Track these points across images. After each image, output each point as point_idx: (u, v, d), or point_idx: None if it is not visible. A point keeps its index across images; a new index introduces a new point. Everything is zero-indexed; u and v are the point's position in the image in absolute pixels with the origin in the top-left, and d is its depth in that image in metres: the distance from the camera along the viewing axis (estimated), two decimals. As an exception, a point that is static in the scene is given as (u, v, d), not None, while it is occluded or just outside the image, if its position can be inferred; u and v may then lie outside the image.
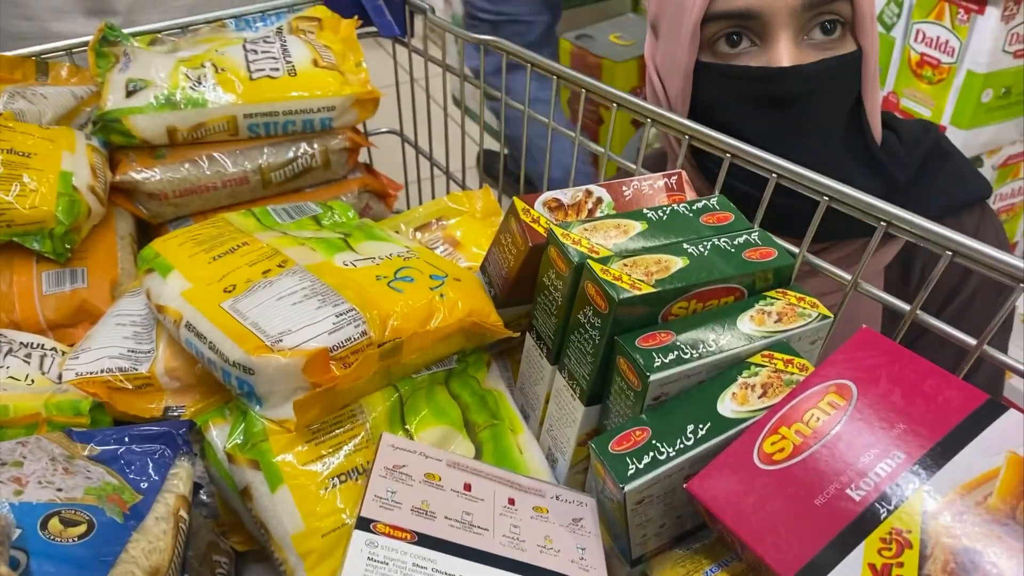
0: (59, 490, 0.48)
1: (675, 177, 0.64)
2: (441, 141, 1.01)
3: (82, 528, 0.46)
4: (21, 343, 0.68)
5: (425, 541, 0.46)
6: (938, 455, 0.43)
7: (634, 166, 0.74)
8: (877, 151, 0.75)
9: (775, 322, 0.54)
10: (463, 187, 0.99)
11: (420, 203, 1.10)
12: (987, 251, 0.51)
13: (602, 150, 0.78)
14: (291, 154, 0.86)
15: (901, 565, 0.40)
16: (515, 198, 0.60)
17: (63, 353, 0.68)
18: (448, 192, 1.02)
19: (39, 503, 0.47)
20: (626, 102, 0.70)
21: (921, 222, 0.52)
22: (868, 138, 0.74)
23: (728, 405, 0.51)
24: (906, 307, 0.54)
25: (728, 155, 0.63)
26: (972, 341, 0.53)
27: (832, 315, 0.55)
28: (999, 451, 0.42)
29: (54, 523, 0.46)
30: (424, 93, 0.97)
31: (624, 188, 0.63)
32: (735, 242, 0.57)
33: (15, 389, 0.61)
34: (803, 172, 0.58)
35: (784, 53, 0.70)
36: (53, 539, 0.45)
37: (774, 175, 0.60)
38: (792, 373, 0.51)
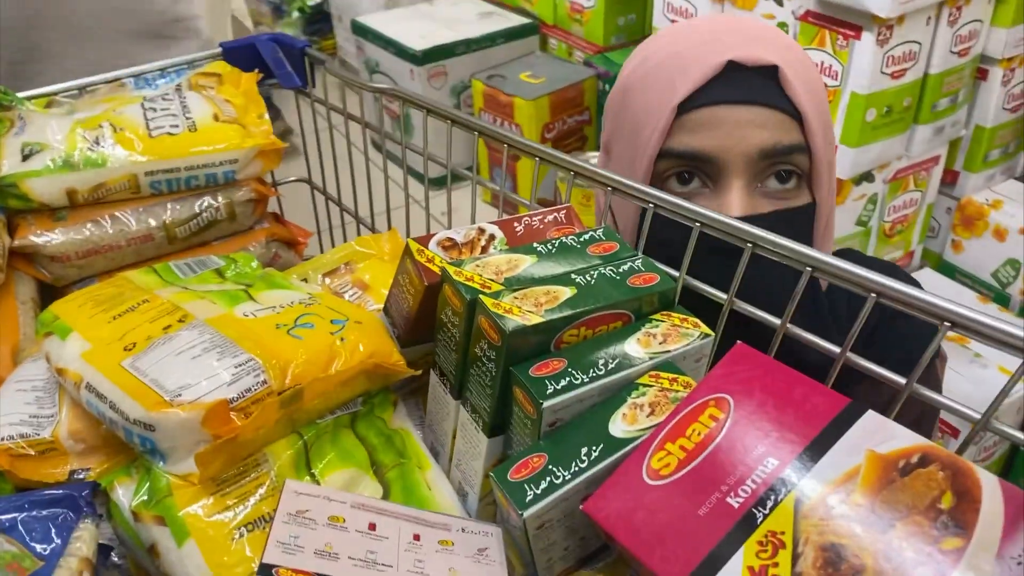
0: (-46, 563, 0.48)
1: (564, 211, 0.67)
2: (353, 187, 1.03)
3: (-22, 599, 0.46)
4: (-83, 417, 0.66)
5: (328, 582, 0.47)
6: (808, 457, 0.46)
7: (528, 201, 0.77)
8: (823, 308, 0.74)
9: (660, 343, 0.57)
10: (373, 230, 1.01)
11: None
12: (909, 291, 0.52)
13: (523, 200, 0.81)
14: (196, 209, 0.86)
15: (776, 565, 0.42)
16: (409, 239, 0.62)
17: (-37, 424, 0.67)
18: (359, 234, 1.04)
19: (-68, 577, 0.46)
20: (540, 152, 0.73)
21: (846, 266, 0.54)
22: (816, 291, 0.74)
23: (619, 425, 0.53)
24: (836, 349, 0.57)
25: (698, 224, 0.63)
26: (901, 381, 0.55)
27: (712, 333, 0.58)
28: (860, 449, 0.45)
29: (-52, 597, 0.45)
30: (339, 139, 0.99)
31: (516, 224, 0.65)
32: (620, 269, 0.60)
33: (-90, 464, 0.60)
34: (674, 200, 0.62)
35: (735, 201, 0.69)
36: (-53, 613, 0.44)
37: (698, 224, 0.63)
38: (677, 391, 0.54)
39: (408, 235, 0.92)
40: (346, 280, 0.83)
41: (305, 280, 0.82)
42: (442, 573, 0.50)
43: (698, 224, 0.60)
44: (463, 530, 0.55)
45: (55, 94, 0.92)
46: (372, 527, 0.52)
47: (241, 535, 0.54)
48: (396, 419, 0.65)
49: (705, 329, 0.58)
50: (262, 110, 0.93)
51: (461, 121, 0.79)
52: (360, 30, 2.11)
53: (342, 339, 0.61)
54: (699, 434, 0.50)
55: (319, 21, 2.93)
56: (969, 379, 1.33)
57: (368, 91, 0.88)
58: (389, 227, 1.00)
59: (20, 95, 0.90)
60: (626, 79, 0.77)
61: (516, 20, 2.08)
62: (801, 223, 0.72)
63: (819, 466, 0.45)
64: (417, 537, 0.53)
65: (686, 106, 0.70)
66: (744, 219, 0.63)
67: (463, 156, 1.60)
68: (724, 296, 0.61)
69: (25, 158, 0.80)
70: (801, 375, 0.50)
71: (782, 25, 1.39)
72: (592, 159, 0.87)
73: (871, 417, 0.47)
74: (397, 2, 2.36)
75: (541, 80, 1.85)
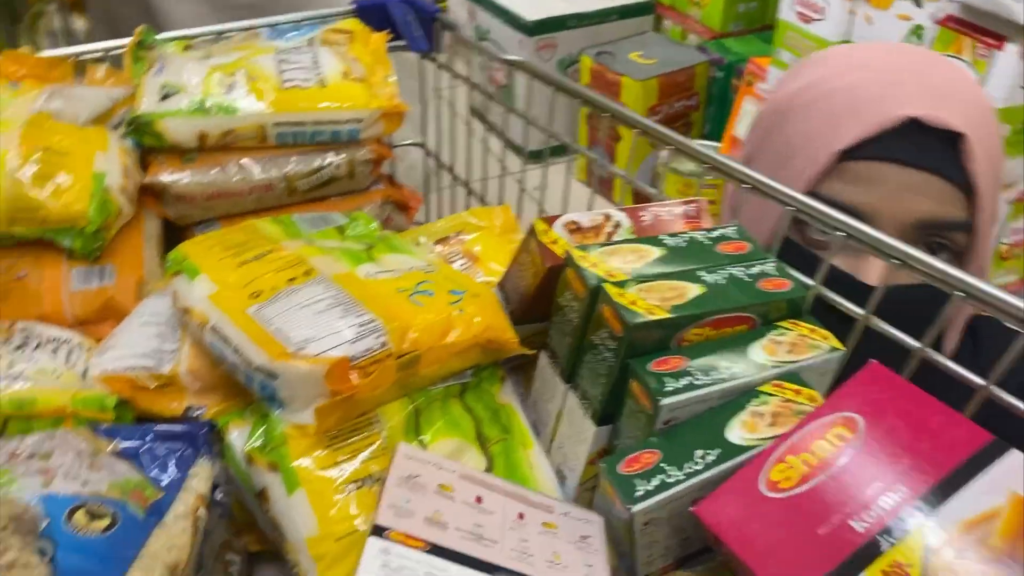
0: (85, 483, 0.50)
1: (694, 205, 0.65)
2: (462, 157, 1.03)
3: (106, 522, 0.48)
4: (49, 337, 0.70)
5: (437, 551, 0.47)
6: (941, 491, 0.44)
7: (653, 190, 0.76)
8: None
9: (787, 352, 0.55)
10: (483, 201, 1.01)
11: (440, 215, 1.12)
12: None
13: (621, 172, 0.80)
14: (317, 164, 0.87)
15: (900, 597, 0.41)
16: (535, 219, 0.62)
17: (89, 349, 0.70)
18: (467, 205, 1.04)
19: (65, 495, 0.48)
20: (650, 129, 0.72)
21: (998, 293, 0.52)
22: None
23: (737, 432, 0.52)
24: (980, 381, 0.54)
25: (746, 185, 0.64)
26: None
27: (843, 347, 0.56)
28: (1001, 491, 0.43)
29: (79, 516, 0.47)
30: (448, 107, 0.99)
31: (643, 213, 0.64)
32: (751, 272, 0.58)
33: (43, 382, 0.63)
34: (819, 207, 0.60)
35: (875, 267, 0.64)
36: (78, 531, 0.47)
37: (790, 207, 0.61)
38: (801, 403, 0.53)
39: (519, 207, 0.92)
40: (456, 249, 0.84)
41: (417, 245, 0.82)
42: (545, 556, 0.50)
43: (842, 234, 0.58)
44: (566, 514, 0.55)
45: (193, 37, 0.94)
46: (479, 500, 0.53)
47: (349, 491, 0.55)
48: (503, 394, 0.65)
49: (835, 343, 0.56)
50: (388, 72, 0.93)
51: (568, 88, 0.78)
52: (474, -4, 2.09)
53: (460, 310, 0.61)
54: (824, 451, 0.48)
55: (432, -17, 2.93)
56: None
57: (499, 62, 0.88)
58: (485, 191, 1.01)
59: (160, 36, 0.92)
60: (785, 100, 0.71)
61: (633, -3, 2.03)
62: (940, 303, 0.61)
63: (954, 502, 0.44)
64: (521, 516, 0.53)
65: (850, 154, 0.65)
66: (879, 290, 0.58)
67: (562, 132, 1.58)
68: (860, 312, 0.59)
69: (163, 98, 0.83)
70: (939, 403, 0.48)
71: (918, 29, 1.33)
72: (697, 146, 0.85)
73: (1015, 457, 0.44)
74: (513, -30, 2.34)
75: (652, 61, 1.81)
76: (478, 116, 0.99)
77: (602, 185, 1.39)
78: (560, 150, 0.85)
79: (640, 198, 0.79)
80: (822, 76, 0.70)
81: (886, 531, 0.44)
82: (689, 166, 1.33)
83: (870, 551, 0.43)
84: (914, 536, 0.43)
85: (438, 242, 0.84)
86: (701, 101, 1.87)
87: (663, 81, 1.78)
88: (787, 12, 1.52)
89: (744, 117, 1.58)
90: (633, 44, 1.91)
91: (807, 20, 1.48)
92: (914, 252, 0.54)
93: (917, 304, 0.60)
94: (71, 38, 2.00)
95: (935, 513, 0.44)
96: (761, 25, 1.91)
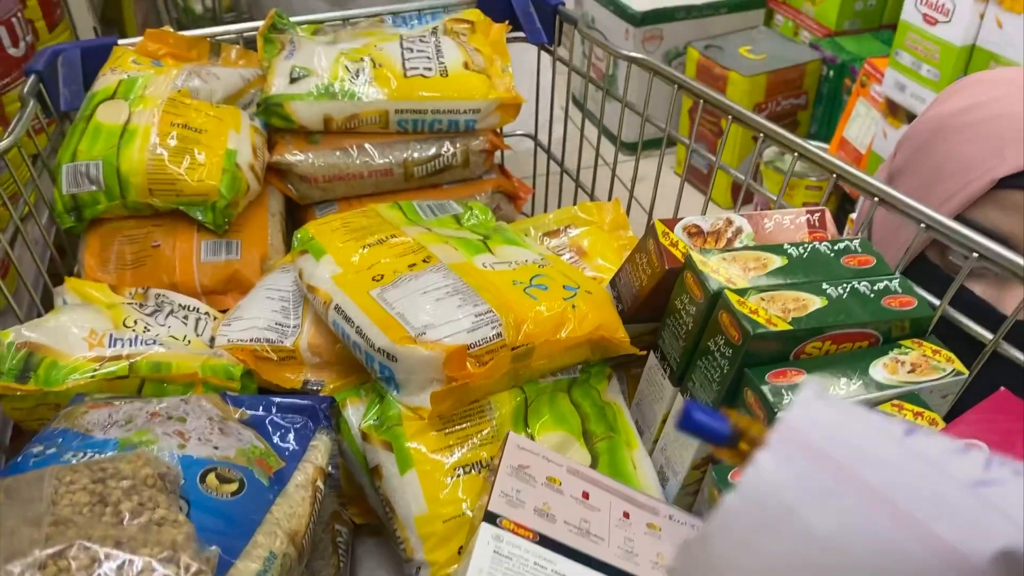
0: (215, 448, 0.53)
1: (818, 214, 0.64)
2: (572, 146, 1.03)
3: (235, 486, 0.51)
4: (180, 305, 0.74)
5: (546, 542, 0.48)
6: (1071, 530, 0.43)
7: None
8: None
9: (908, 372, 0.54)
10: (591, 195, 1.01)
11: (547, 207, 1.13)
12: None
13: (739, 174, 0.79)
14: (434, 151, 0.89)
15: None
16: (656, 220, 0.62)
17: (215, 318, 0.74)
18: (575, 198, 1.05)
19: (199, 458, 0.51)
20: (772, 132, 0.71)
21: None
22: None
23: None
24: None
25: (875, 199, 0.62)
26: None
27: (967, 371, 0.55)
28: None
29: (211, 478, 0.50)
30: (555, 97, 1.00)
31: (765, 220, 0.64)
32: (875, 287, 0.57)
33: (175, 348, 0.67)
34: (952, 224, 0.58)
35: (1017, 300, 0.61)
36: (210, 493, 0.49)
37: (921, 224, 0.60)
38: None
39: (609, 198, 0.92)
40: (564, 242, 0.85)
41: (526, 236, 0.83)
42: (650, 557, 0.51)
43: (975, 255, 0.56)
44: (671, 517, 0.56)
45: (322, 22, 0.98)
46: (585, 496, 0.54)
47: (458, 475, 0.57)
48: (610, 392, 0.66)
49: (959, 365, 0.55)
50: (507, 63, 0.94)
51: (689, 87, 0.78)
52: (584, -16, 2.08)
53: (573, 306, 0.62)
54: (945, 477, 0.47)
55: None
56: None
57: (621, 58, 0.88)
58: (594, 185, 1.01)
59: (292, 19, 0.96)
60: (943, 118, 0.69)
61: (744, -10, 1.98)
62: None
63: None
64: (627, 515, 0.54)
65: (1009, 181, 0.62)
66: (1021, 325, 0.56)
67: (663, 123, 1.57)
68: (990, 336, 0.57)
69: (292, 81, 0.86)
70: (1074, 439, 0.46)
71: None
72: (811, 145, 0.82)
73: None
74: (625, -40, 2.32)
75: (761, 57, 1.77)
76: (579, 107, 0.99)
77: (702, 182, 1.37)
78: (656, 142, 0.85)
79: (744, 198, 0.78)
80: (985, 98, 0.67)
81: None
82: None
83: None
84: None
85: (547, 235, 0.85)
86: (810, 100, 1.83)
87: (771, 78, 1.74)
88: (911, 13, 1.46)
89: (856, 119, 1.53)
90: (742, 38, 1.87)
91: (932, 22, 1.42)
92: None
93: None
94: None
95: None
96: (879, 24, 1.84)
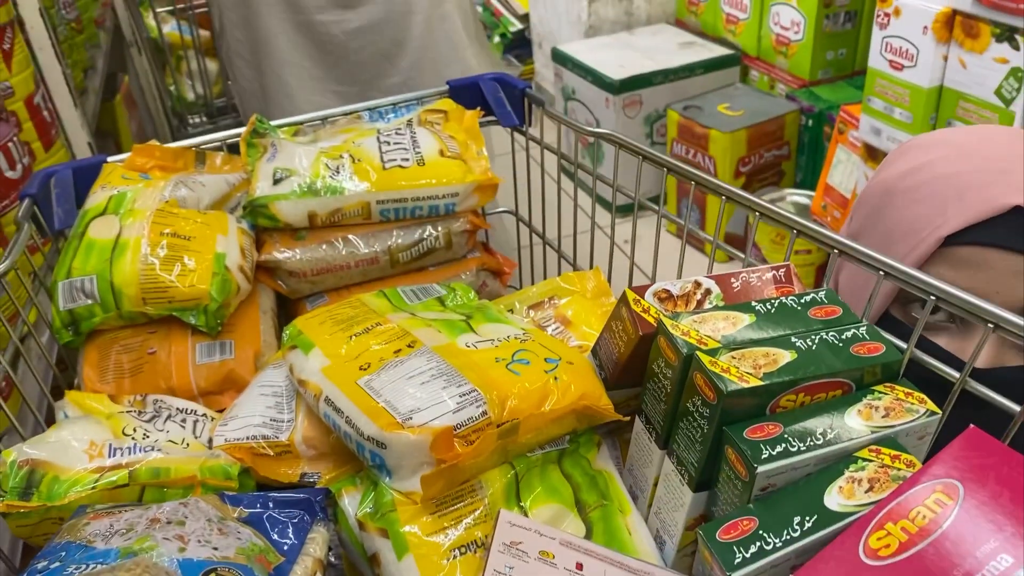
0: (215, 549, 0.54)
1: (783, 270, 0.67)
2: (553, 221, 1.06)
3: (235, 586, 0.52)
4: (178, 408, 0.76)
5: (541, 617, 0.49)
6: (1049, 562, 0.44)
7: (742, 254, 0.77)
8: None
9: (883, 417, 0.56)
10: (574, 266, 1.04)
11: (532, 274, 1.15)
12: None
13: (710, 237, 0.81)
14: (417, 236, 0.92)
15: (1010, 672, 0.41)
16: (626, 289, 0.64)
17: (212, 419, 0.76)
18: (559, 266, 1.07)
19: (199, 560, 0.52)
20: (736, 196, 0.73)
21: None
22: None
23: (835, 498, 0.52)
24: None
25: (835, 251, 0.65)
26: None
27: (940, 411, 0.56)
28: (1113, 562, 0.42)
29: (211, 580, 0.51)
30: (535, 167, 1.03)
31: (733, 280, 0.66)
32: (843, 336, 0.59)
33: (174, 452, 0.68)
34: (909, 271, 0.60)
35: (983, 351, 0.62)
36: (211, 595, 0.51)
37: (881, 273, 0.62)
38: (899, 469, 0.53)
39: (592, 264, 0.94)
40: (549, 314, 0.87)
41: (511, 311, 0.85)
42: (646, 623, 0.52)
43: (933, 298, 0.58)
44: (665, 581, 0.56)
45: (302, 123, 1.02)
46: (579, 567, 0.55)
47: (455, 556, 0.58)
48: (599, 460, 0.67)
49: (932, 406, 0.56)
50: (481, 146, 0.98)
51: (653, 158, 0.81)
52: (560, 58, 2.16)
53: (556, 378, 0.63)
54: (924, 518, 0.48)
55: (519, 46, 3.03)
56: None
57: (587, 134, 0.92)
58: (575, 253, 1.04)
59: (273, 123, 1.00)
60: (890, 182, 0.72)
61: (717, 51, 2.06)
62: None
63: (1063, 573, 0.43)
64: (621, 583, 0.55)
65: (955, 239, 0.65)
66: (988, 373, 0.59)
67: (650, 185, 1.63)
68: (956, 375, 0.58)
69: (276, 182, 0.90)
70: (1044, 470, 0.47)
71: (1016, 72, 1.30)
72: (789, 196, 0.85)
73: None
74: (598, 31, 2.41)
75: (740, 112, 1.83)
76: (567, 175, 1.03)
77: (693, 239, 1.40)
78: (641, 207, 0.89)
79: (736, 246, 0.80)
80: (926, 161, 0.70)
81: (993, 602, 0.43)
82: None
83: (977, 623, 0.43)
84: (1022, 608, 0.42)
85: (531, 307, 0.88)
86: (792, 150, 1.87)
87: (752, 132, 1.79)
88: (877, 60, 1.51)
89: (838, 165, 1.57)
90: (720, 96, 1.94)
91: (899, 67, 1.47)
92: (1009, 315, 0.54)
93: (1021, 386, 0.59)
94: (205, 76, 2.27)
95: (1044, 584, 0.43)
96: (851, 71, 1.90)
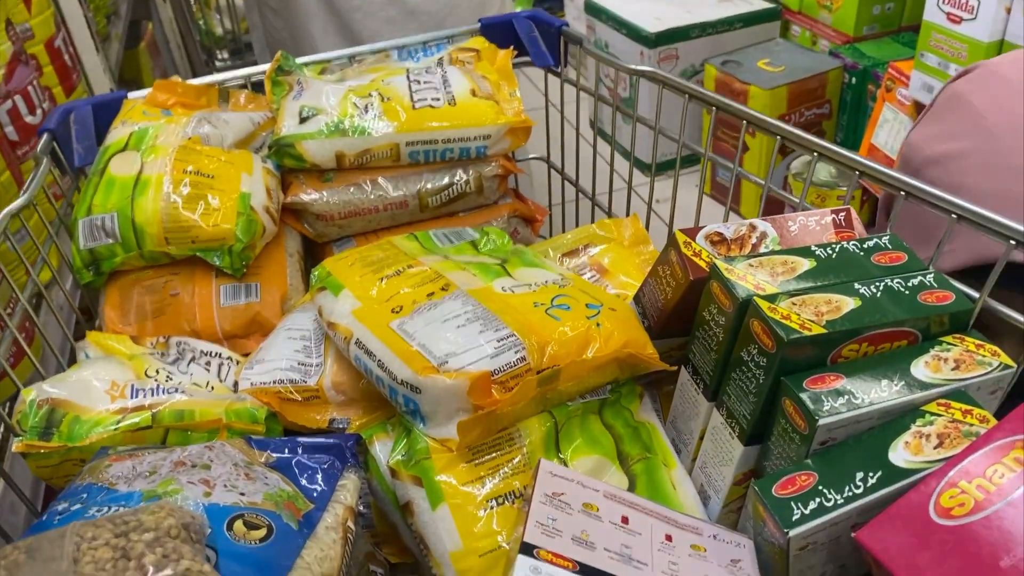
0: (242, 494, 0.52)
1: (843, 213, 0.62)
2: (586, 167, 1.02)
3: (263, 532, 0.49)
4: (202, 351, 0.73)
5: (586, 571, 0.46)
6: None
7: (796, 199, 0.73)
8: None
9: (952, 369, 0.52)
10: (608, 213, 1.00)
11: (564, 227, 1.12)
12: None
13: (760, 180, 0.77)
14: (447, 180, 0.89)
15: (1103, 641, 0.37)
16: (676, 230, 0.60)
17: (238, 362, 0.73)
18: (592, 216, 1.04)
19: (225, 505, 0.50)
20: (793, 136, 0.69)
21: None
22: None
23: (901, 454, 0.49)
24: None
25: (902, 193, 0.61)
26: None
27: (1015, 364, 0.52)
28: None
29: (239, 525, 0.49)
30: (567, 118, 0.99)
31: (790, 223, 0.62)
32: (909, 284, 0.55)
33: (198, 395, 0.66)
34: (986, 213, 0.56)
35: None
36: (238, 540, 0.48)
37: (953, 216, 0.58)
38: (972, 424, 0.49)
39: (627, 215, 0.90)
40: (584, 261, 0.83)
41: (545, 258, 0.82)
42: (696, 580, 0.49)
43: (1013, 242, 0.54)
44: (715, 537, 0.53)
45: (328, 61, 0.98)
46: (625, 520, 0.52)
47: (491, 507, 0.55)
48: (642, 411, 0.64)
49: (1006, 359, 0.52)
50: (515, 87, 0.94)
51: (700, 96, 0.76)
52: (593, 9, 2.09)
53: (598, 324, 0.60)
54: (1002, 476, 0.45)
55: (548, -1, 2.95)
56: None
57: (627, 72, 0.87)
58: (611, 204, 1.00)
59: (298, 60, 0.96)
60: (924, 142, 0.68)
61: (757, 4, 1.98)
62: None
63: None
64: (669, 538, 0.52)
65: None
66: None
67: (689, 138, 1.58)
68: (1036, 325, 0.54)
69: (302, 121, 0.86)
70: None
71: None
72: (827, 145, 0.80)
73: None
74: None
75: (780, 69, 1.76)
76: (596, 129, 0.98)
77: (726, 196, 1.36)
78: (682, 162, 0.84)
79: (771, 209, 0.76)
80: (961, 152, 0.66)
81: (1081, 567, 0.40)
82: (822, 175, 1.28)
83: (1064, 588, 0.40)
84: (1116, 573, 0.39)
85: (566, 255, 0.84)
86: (833, 109, 1.81)
87: (792, 89, 1.72)
88: (934, 13, 1.44)
89: (884, 125, 1.51)
90: (760, 52, 1.86)
91: (957, 20, 1.40)
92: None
93: None
94: (233, 11, 2.20)
95: None
96: (899, 27, 1.82)
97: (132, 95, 0.92)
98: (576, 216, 1.08)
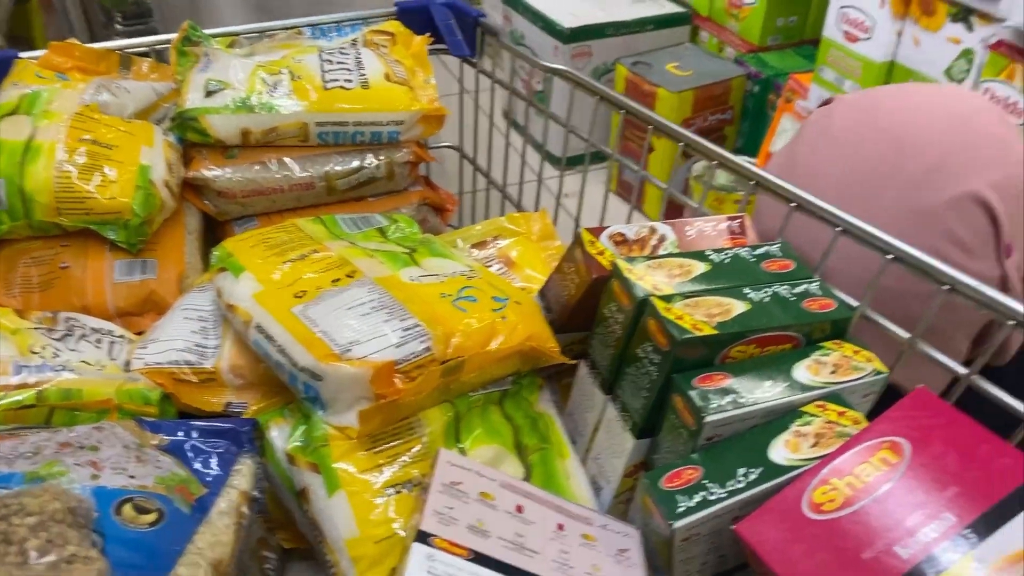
0: (132, 477, 0.50)
1: (738, 220, 0.65)
2: (498, 158, 1.03)
3: (153, 516, 0.48)
4: (92, 328, 0.70)
5: (480, 559, 0.47)
6: (988, 523, 0.44)
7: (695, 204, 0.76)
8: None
9: (830, 373, 0.55)
10: (518, 206, 1.01)
11: (473, 216, 1.12)
12: None
13: (662, 184, 0.80)
14: (357, 164, 0.88)
15: (947, 627, 0.41)
16: (582, 229, 0.62)
17: (130, 341, 0.71)
18: (502, 208, 1.05)
19: (114, 488, 0.49)
20: (696, 144, 0.72)
21: (984, 289, 0.53)
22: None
23: (780, 452, 0.52)
24: (963, 370, 0.55)
25: (793, 204, 0.64)
26: None
27: (887, 370, 0.56)
28: (1051, 524, 0.43)
29: (127, 509, 0.48)
30: (479, 109, 0.99)
31: (687, 228, 0.64)
32: (795, 291, 0.58)
33: (87, 373, 0.64)
34: (868, 228, 0.59)
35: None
36: (126, 524, 0.47)
37: (838, 228, 0.61)
38: (845, 425, 0.52)
39: (536, 209, 0.92)
40: (492, 254, 0.84)
41: (454, 248, 0.83)
42: (585, 569, 0.51)
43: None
44: (604, 527, 0.55)
45: (238, 34, 0.95)
46: (519, 509, 0.53)
47: (389, 495, 0.56)
48: (541, 403, 0.65)
49: (879, 365, 0.56)
50: (429, 74, 0.94)
51: (611, 98, 0.78)
52: (511, 1, 2.10)
53: (504, 317, 0.61)
54: (869, 475, 0.48)
55: (464, -16, 2.93)
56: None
57: (542, 69, 0.88)
58: (520, 197, 1.01)
59: (206, 32, 0.93)
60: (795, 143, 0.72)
61: (669, 8, 2.03)
62: None
63: (1001, 534, 0.43)
64: (561, 527, 0.53)
65: None
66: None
67: (597, 137, 1.60)
68: (907, 335, 0.58)
69: (208, 94, 0.84)
70: (989, 432, 0.48)
71: (967, 53, 1.31)
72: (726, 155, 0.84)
73: (1066, 490, 0.44)
74: (548, -25, 2.34)
75: (688, 73, 1.81)
76: (510, 121, 0.99)
77: (631, 195, 1.39)
78: (591, 158, 0.86)
79: (671, 211, 0.79)
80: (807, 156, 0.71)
81: (931, 560, 0.44)
82: (721, 180, 1.33)
83: (916, 578, 0.43)
84: (959, 567, 0.43)
85: (474, 246, 0.85)
86: (736, 115, 1.87)
87: (699, 94, 1.77)
88: (832, 30, 1.50)
89: (782, 134, 1.57)
90: (669, 55, 1.91)
91: (853, 39, 1.46)
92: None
93: None
94: None
95: (980, 545, 0.43)
96: (800, 39, 1.90)
97: (24, 55, 0.87)
98: (486, 206, 1.09)
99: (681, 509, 0.50)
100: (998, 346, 0.58)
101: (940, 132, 0.63)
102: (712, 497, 0.50)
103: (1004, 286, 0.63)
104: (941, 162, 0.62)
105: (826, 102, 0.73)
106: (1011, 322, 0.52)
